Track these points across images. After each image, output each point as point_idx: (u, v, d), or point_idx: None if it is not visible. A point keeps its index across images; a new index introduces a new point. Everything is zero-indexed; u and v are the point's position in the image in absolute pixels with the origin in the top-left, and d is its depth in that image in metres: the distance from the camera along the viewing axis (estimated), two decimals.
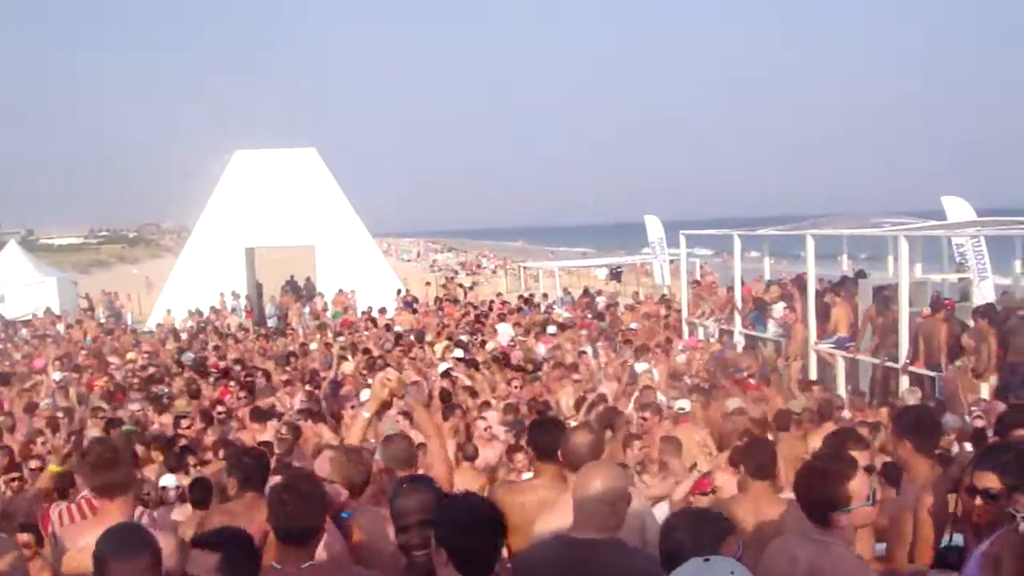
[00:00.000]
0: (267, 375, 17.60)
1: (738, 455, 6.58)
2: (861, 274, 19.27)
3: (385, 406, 6.98)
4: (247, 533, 4.23)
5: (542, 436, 6.19)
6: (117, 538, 4.01)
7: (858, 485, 4.37)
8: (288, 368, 19.13)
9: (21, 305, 37.03)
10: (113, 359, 22.51)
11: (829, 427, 9.96)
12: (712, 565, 3.37)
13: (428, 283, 40.19)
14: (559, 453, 5.80)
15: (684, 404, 11.96)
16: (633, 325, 22.83)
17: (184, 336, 27.18)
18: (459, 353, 18.76)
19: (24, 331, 31.40)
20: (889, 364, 15.63)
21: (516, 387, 14.79)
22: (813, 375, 17.05)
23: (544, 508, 5.40)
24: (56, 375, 18.73)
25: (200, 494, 8.36)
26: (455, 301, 33.61)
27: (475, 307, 30.62)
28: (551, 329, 22.73)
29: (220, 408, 14.18)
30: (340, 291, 33.30)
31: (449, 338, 22.11)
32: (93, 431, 12.72)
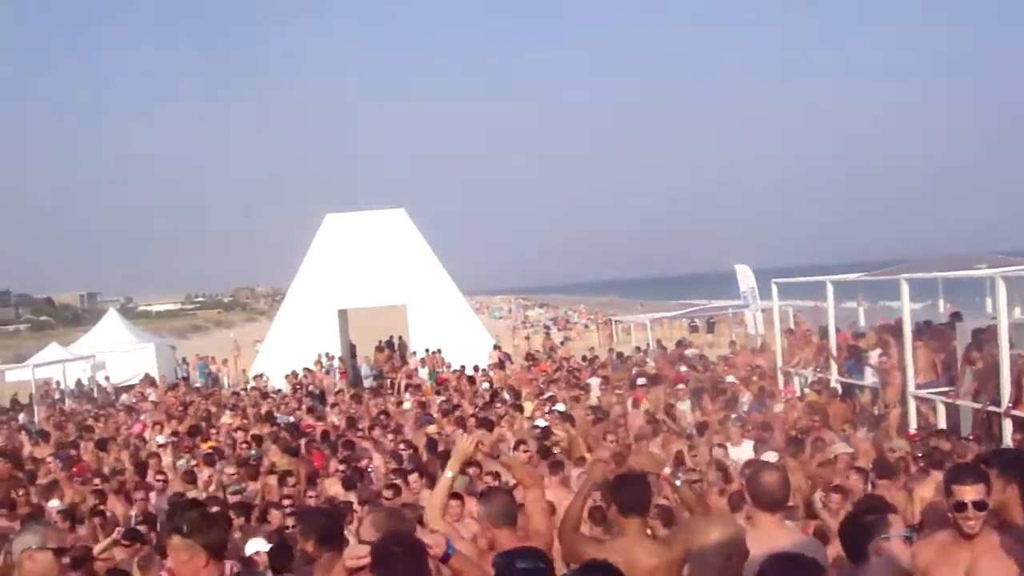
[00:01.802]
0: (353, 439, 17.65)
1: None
2: (957, 316, 18.80)
3: (468, 465, 6.93)
4: None
5: (625, 491, 6.11)
6: None
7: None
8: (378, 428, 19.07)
9: (122, 371, 37.91)
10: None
11: (937, 477, 9.67)
12: None
13: (527, 337, 40.11)
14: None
15: (771, 456, 11.78)
16: (730, 378, 22.36)
17: (278, 398, 27.36)
18: (561, 407, 18.72)
19: (124, 396, 32.06)
20: (991, 408, 15.25)
21: (611, 442, 14.64)
22: (912, 422, 16.74)
23: (629, 565, 5.23)
24: (159, 438, 19.07)
25: (280, 559, 8.04)
26: (548, 357, 33.57)
27: (567, 360, 30.56)
28: (641, 381, 22.54)
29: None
30: (426, 350, 33.46)
31: (539, 394, 22.02)
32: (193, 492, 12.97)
